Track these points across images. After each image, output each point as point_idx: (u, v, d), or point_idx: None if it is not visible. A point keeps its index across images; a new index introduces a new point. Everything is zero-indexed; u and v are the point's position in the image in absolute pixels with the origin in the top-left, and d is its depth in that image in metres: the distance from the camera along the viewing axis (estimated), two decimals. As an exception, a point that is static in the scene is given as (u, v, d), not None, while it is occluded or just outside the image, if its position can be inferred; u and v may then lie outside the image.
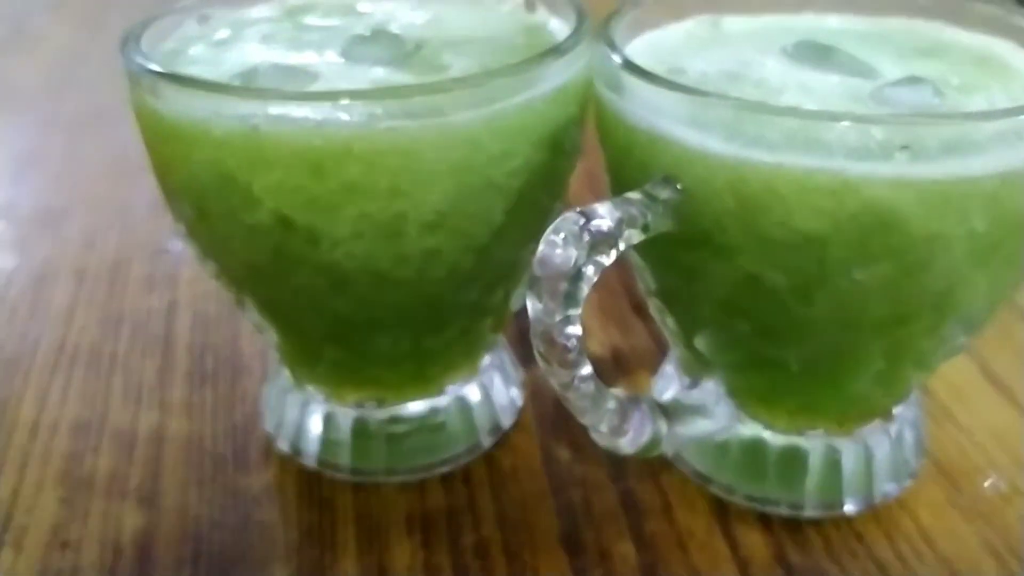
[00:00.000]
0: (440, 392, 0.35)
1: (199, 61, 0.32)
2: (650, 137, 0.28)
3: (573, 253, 0.26)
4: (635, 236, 0.27)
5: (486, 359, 0.36)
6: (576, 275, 0.26)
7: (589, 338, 0.43)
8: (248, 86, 0.28)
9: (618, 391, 0.30)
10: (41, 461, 0.37)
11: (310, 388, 0.35)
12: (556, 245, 0.26)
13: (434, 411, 0.35)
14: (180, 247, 0.50)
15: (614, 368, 0.41)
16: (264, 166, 0.27)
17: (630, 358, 0.42)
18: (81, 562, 0.32)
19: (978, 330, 0.31)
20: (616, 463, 0.36)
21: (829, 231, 0.26)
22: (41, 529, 0.34)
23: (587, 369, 0.27)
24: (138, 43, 0.30)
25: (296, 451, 0.35)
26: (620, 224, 0.26)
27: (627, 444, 0.30)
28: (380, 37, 0.32)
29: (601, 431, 0.29)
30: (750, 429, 0.33)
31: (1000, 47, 0.33)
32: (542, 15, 0.35)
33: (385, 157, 0.27)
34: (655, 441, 0.30)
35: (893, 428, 0.33)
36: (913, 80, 0.29)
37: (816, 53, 0.32)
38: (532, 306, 0.26)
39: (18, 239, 0.53)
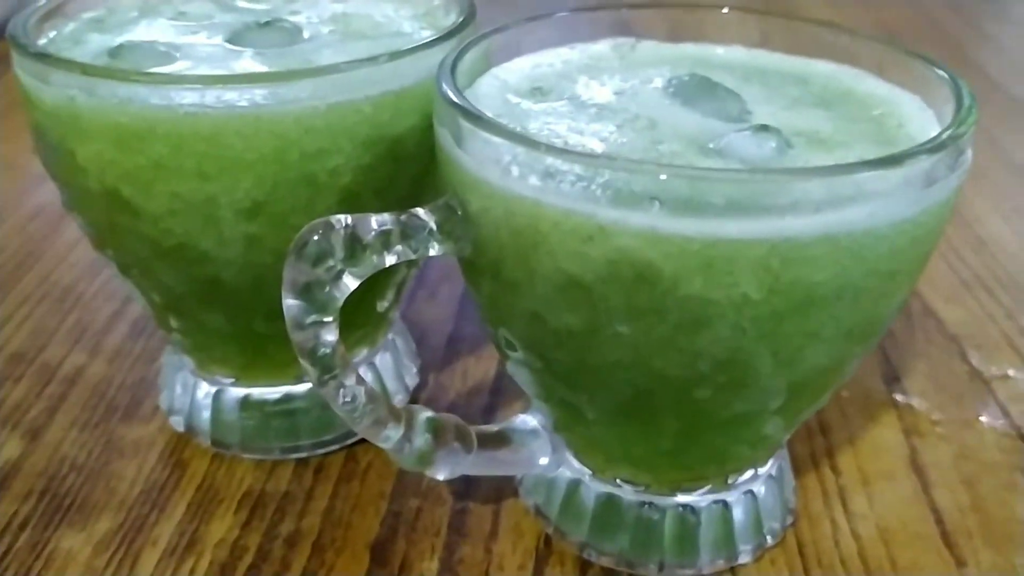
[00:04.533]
0: (296, 380, 0.35)
1: (108, 31, 0.33)
2: (444, 154, 0.27)
3: (326, 258, 0.25)
4: (408, 253, 0.26)
5: (360, 353, 0.36)
6: (329, 282, 0.26)
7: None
8: (59, 56, 0.29)
9: (412, 408, 0.29)
10: (-34, 382, 0.40)
11: (182, 355, 0.36)
12: (308, 246, 0.25)
13: (288, 398, 0.35)
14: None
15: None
16: (83, 137, 0.28)
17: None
18: (-50, 479, 0.35)
19: (795, 411, 0.28)
20: (466, 482, 0.35)
21: (590, 278, 0.24)
22: (-66, 443, 0.37)
23: (350, 379, 0.27)
24: (47, 6, 0.32)
25: (170, 411, 0.37)
26: (386, 237, 0.26)
27: (409, 461, 0.29)
28: (273, 26, 0.33)
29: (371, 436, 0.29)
30: (574, 471, 0.32)
31: (907, 104, 0.29)
32: (451, 19, 0.34)
33: (188, 140, 0.28)
34: (442, 463, 0.30)
35: (732, 497, 0.31)
36: (761, 129, 0.27)
37: (698, 89, 0.30)
38: (285, 307, 0.26)
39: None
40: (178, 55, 0.31)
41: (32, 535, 0.33)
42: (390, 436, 0.29)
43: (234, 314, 0.32)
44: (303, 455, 0.36)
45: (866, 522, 0.34)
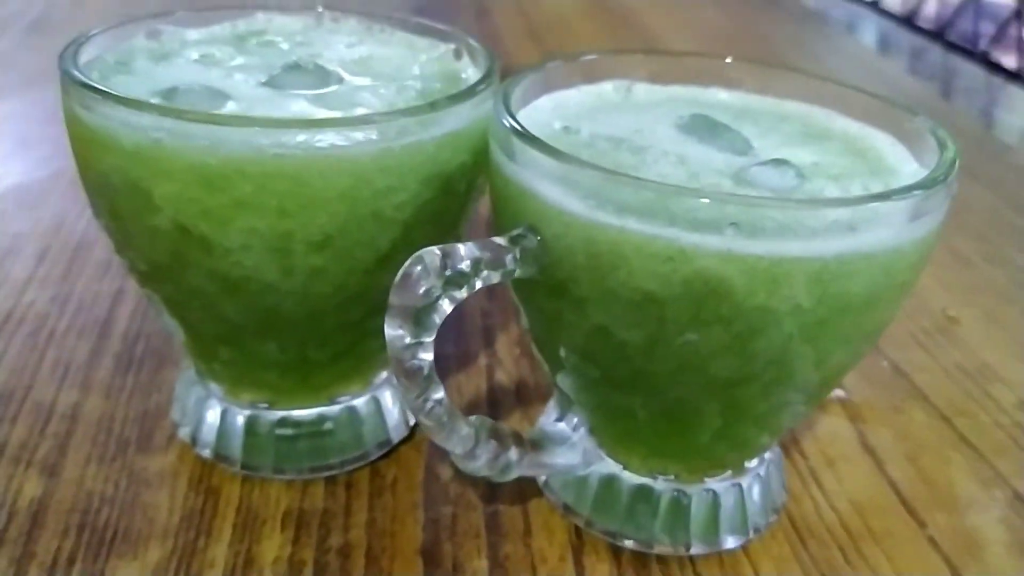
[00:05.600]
0: (330, 401, 0.37)
1: (138, 73, 0.34)
2: (519, 188, 0.30)
3: (429, 286, 0.28)
4: (494, 277, 0.29)
5: (382, 375, 0.38)
6: (431, 306, 0.28)
7: (498, 367, 0.45)
8: (153, 102, 0.30)
9: (476, 418, 0.32)
10: (-39, 423, 0.39)
11: (211, 384, 0.37)
12: (413, 276, 0.28)
13: (322, 418, 0.37)
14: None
15: (515, 398, 0.43)
16: (164, 177, 0.30)
17: (532, 390, 0.44)
18: (-24, 521, 0.35)
19: (815, 401, 0.33)
20: (491, 487, 0.38)
21: (666, 294, 0.28)
22: (-53, 486, 0.36)
23: (439, 394, 0.30)
24: (76, 51, 0.33)
25: (194, 441, 0.38)
26: (477, 264, 0.29)
27: (480, 467, 0.32)
28: (307, 69, 0.35)
29: (455, 453, 0.32)
30: (607, 467, 0.35)
31: (880, 140, 0.35)
32: (464, 63, 0.37)
33: (273, 180, 0.29)
34: (506, 466, 0.33)
35: (745, 482, 0.35)
36: (779, 162, 0.32)
37: (705, 127, 0.34)
38: (389, 331, 0.28)
39: (-7, 214, 0.56)
40: (230, 99, 0.33)
41: (83, 568, 0.33)
42: (464, 444, 0.31)
43: (287, 342, 0.34)
44: (333, 473, 0.38)
45: (839, 497, 0.39)
